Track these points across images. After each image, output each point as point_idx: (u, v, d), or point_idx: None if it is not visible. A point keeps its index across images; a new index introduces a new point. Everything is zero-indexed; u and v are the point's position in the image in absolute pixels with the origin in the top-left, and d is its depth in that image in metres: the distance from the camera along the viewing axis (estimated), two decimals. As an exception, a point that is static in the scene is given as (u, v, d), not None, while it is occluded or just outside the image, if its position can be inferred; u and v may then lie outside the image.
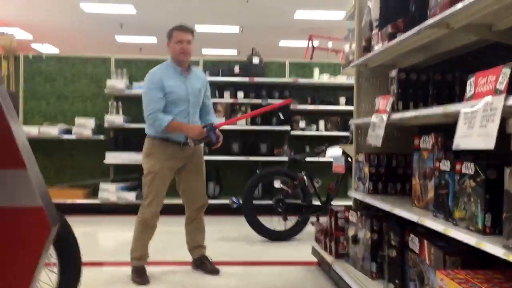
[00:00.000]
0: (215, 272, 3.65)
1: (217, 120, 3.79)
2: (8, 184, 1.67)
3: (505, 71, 1.60)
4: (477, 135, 1.68)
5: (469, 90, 1.82)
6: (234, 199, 6.29)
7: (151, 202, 3.51)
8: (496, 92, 1.62)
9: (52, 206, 1.81)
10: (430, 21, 2.15)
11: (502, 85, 1.60)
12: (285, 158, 6.55)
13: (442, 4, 2.13)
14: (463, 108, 1.81)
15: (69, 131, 6.50)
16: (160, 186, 3.52)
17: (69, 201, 6.23)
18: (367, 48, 3.18)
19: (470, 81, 1.82)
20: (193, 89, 3.58)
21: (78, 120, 6.49)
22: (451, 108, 1.99)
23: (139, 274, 3.50)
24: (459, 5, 1.92)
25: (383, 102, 2.85)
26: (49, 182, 6.49)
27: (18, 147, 1.70)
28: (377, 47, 2.94)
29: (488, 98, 1.66)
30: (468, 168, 1.91)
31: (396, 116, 2.63)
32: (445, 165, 2.13)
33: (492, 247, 1.66)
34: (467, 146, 1.74)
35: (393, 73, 2.80)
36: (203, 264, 3.71)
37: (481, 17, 2.05)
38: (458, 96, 2.59)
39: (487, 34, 2.16)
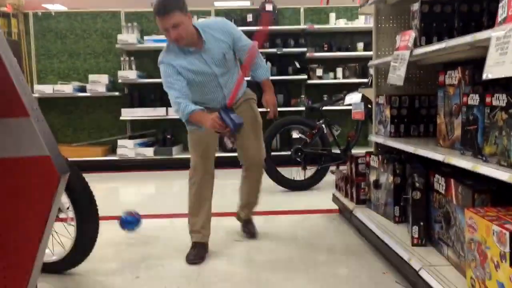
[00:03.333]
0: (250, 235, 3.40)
1: (263, 73, 3.09)
2: (11, 134, 1.60)
3: (544, -14, 1.44)
4: (511, 61, 1.53)
5: (501, 13, 1.65)
6: None
7: None
8: (533, 11, 1.46)
9: (60, 155, 1.74)
10: None
11: (540, 2, 1.44)
12: (302, 108, 6.43)
13: None
14: (494, 33, 1.65)
15: (83, 89, 6.45)
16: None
17: (88, 158, 6.25)
18: (387, -19, 2.97)
19: (503, 3, 1.65)
20: (216, 60, 2.93)
21: (92, 77, 6.41)
22: (481, 35, 1.83)
23: None
24: None
25: (405, 38, 2.68)
26: (67, 140, 6.55)
27: (19, 94, 1.61)
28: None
29: (524, 19, 1.50)
30: (500, 99, 1.77)
31: (420, 51, 2.47)
32: (474, 99, 1.99)
33: (527, 181, 1.54)
34: (500, 74, 1.60)
35: (415, 6, 2.62)
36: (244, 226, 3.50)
37: None
38: (486, 28, 2.41)
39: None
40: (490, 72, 1.65)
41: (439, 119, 2.47)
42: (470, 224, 1.79)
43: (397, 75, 2.64)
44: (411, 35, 2.59)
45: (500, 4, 1.67)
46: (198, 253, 2.97)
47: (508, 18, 1.61)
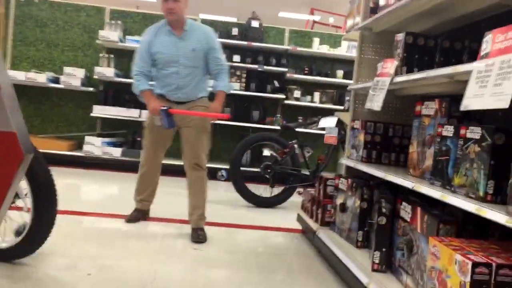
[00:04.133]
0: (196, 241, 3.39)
1: (222, 86, 3.53)
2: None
3: (529, 25, 1.48)
4: (490, 94, 1.57)
5: (485, 48, 1.69)
6: (223, 172, 6.20)
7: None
8: (516, 47, 1.50)
9: (27, 135, 1.68)
10: (447, -24, 2.01)
11: (524, 40, 1.48)
12: (276, 127, 6.44)
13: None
14: (476, 65, 1.69)
15: (57, 80, 6.30)
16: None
17: (53, 151, 6.07)
18: (374, 9, 3.03)
19: (487, 38, 1.69)
20: (184, 50, 3.41)
21: (67, 69, 6.27)
22: (462, 68, 1.87)
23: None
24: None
25: (386, 66, 2.72)
26: (34, 131, 6.35)
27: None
28: (386, 8, 2.79)
29: (506, 56, 1.54)
30: (474, 132, 1.80)
31: (400, 79, 2.51)
32: (448, 131, 2.02)
33: (494, 214, 1.56)
34: (478, 107, 1.63)
35: (400, 36, 2.67)
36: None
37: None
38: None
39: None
40: (469, 103, 1.68)
41: (412, 148, 2.50)
42: (433, 252, 1.80)
43: (376, 101, 2.67)
44: (393, 63, 2.63)
45: (484, 39, 1.71)
46: (136, 216, 3.72)
47: (491, 53, 1.65)
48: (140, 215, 3.77)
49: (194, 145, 3.50)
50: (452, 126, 2.00)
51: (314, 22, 10.73)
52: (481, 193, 1.74)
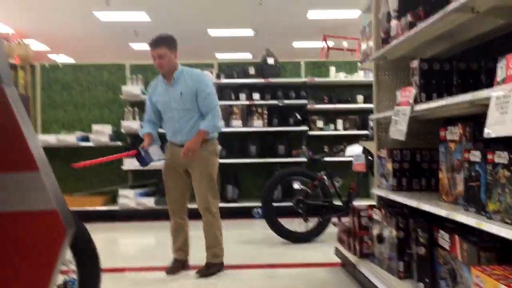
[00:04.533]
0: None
1: (204, 125, 3.68)
2: (20, 188, 1.62)
3: (540, 50, 1.49)
4: (511, 121, 1.57)
5: (500, 74, 1.71)
6: (258, 210, 6.23)
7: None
8: (531, 73, 1.52)
9: (67, 209, 1.76)
10: (453, 5, 2.05)
11: (537, 65, 1.49)
12: (303, 159, 6.46)
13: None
14: (494, 93, 1.70)
15: (86, 139, 6.50)
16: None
17: (89, 208, 6.22)
18: (386, 40, 3.08)
19: (501, 64, 1.71)
20: (174, 95, 3.68)
21: (95, 127, 6.48)
22: (481, 94, 1.88)
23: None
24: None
25: (405, 94, 2.74)
26: (69, 190, 6.52)
27: (30, 149, 1.64)
28: (397, 38, 2.84)
29: (522, 81, 1.56)
30: (502, 157, 1.80)
31: (421, 107, 2.52)
32: (475, 156, 2.02)
33: (533, 240, 1.55)
34: (500, 134, 1.63)
35: (415, 63, 2.70)
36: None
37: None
38: (484, 85, 2.48)
39: (515, 16, 2.05)
40: (491, 130, 1.69)
41: (441, 174, 2.49)
42: (477, 282, 1.78)
43: (399, 130, 2.69)
44: (412, 91, 2.65)
45: (499, 65, 1.73)
46: (175, 266, 3.81)
47: (507, 79, 1.67)
48: (179, 265, 3.85)
49: (199, 189, 3.74)
50: (479, 152, 2.00)
51: (329, 48, 10.81)
52: (517, 218, 1.73)
